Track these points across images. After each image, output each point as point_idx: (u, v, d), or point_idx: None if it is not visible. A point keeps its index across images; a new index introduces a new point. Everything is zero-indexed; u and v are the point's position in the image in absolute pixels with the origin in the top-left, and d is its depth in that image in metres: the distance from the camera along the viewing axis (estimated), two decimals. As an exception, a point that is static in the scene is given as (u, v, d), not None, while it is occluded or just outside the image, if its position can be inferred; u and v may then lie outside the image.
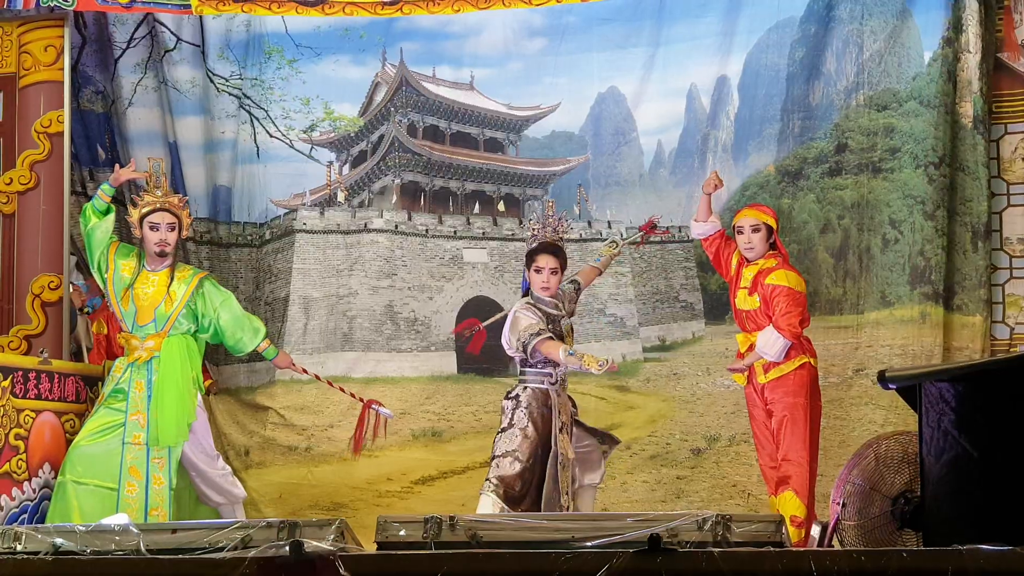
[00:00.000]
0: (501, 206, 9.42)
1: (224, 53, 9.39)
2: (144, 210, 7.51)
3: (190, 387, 7.55)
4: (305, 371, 8.03)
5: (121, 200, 8.78)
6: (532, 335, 7.07)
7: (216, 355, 9.19)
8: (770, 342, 7.07)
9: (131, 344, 7.51)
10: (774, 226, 7.29)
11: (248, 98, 9.39)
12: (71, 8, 8.92)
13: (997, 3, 8.42)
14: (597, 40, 9.10)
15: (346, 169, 9.57)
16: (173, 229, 7.54)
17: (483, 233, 9.39)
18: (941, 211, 8.38)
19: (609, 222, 9.20)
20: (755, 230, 7.24)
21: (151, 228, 7.50)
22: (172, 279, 7.54)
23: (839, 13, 8.77)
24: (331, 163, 9.55)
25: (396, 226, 9.39)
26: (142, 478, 7.39)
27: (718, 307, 8.56)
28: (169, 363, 7.52)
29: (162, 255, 7.51)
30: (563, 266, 7.28)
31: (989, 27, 8.38)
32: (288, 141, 9.45)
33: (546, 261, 7.21)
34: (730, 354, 8.85)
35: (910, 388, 5.68)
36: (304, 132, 9.44)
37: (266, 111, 9.40)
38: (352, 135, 9.51)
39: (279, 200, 9.45)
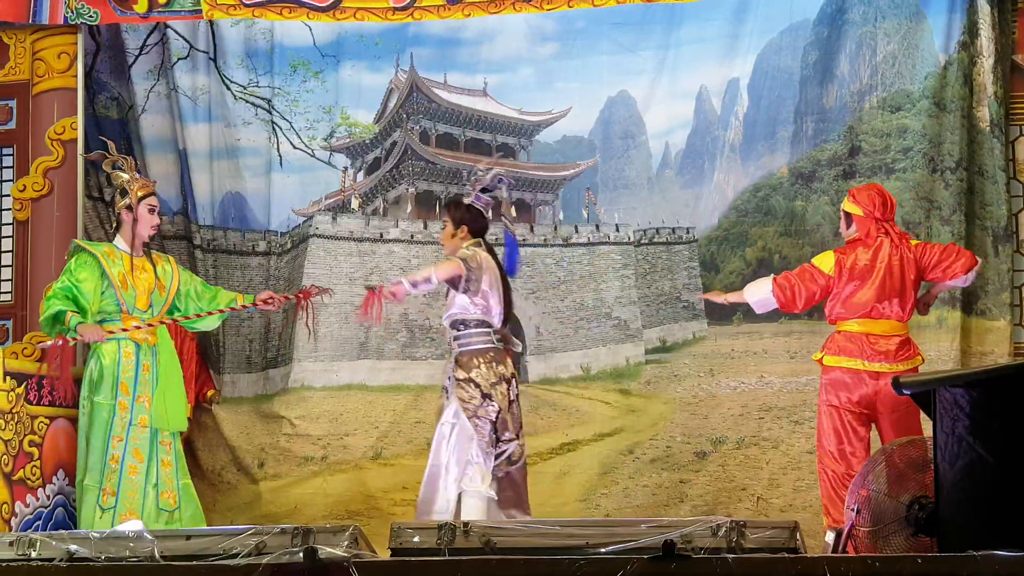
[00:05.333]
0: (512, 212, 9.40)
1: (243, 61, 9.38)
2: (141, 193, 7.62)
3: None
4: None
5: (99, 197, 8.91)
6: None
7: (221, 364, 9.18)
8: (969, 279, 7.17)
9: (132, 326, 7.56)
10: (850, 211, 7.23)
11: (273, 108, 9.39)
12: (95, 23, 8.96)
13: (1012, 5, 8.41)
14: (607, 44, 9.09)
15: (361, 176, 9.56)
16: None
17: (495, 239, 9.37)
18: (957, 215, 8.37)
19: (617, 225, 9.17)
20: (846, 221, 7.30)
21: (150, 210, 7.64)
22: (154, 265, 7.66)
23: (852, 16, 8.75)
24: (346, 169, 9.54)
25: (412, 236, 9.38)
26: (144, 461, 7.43)
27: (723, 307, 8.50)
28: (167, 349, 7.66)
29: (152, 238, 7.68)
30: (452, 219, 7.46)
31: (1004, 29, 8.38)
32: (311, 151, 9.44)
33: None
34: (735, 355, 8.82)
35: (924, 394, 5.66)
36: (325, 140, 9.44)
37: (290, 123, 9.40)
38: (367, 142, 9.50)
39: (299, 209, 9.44)
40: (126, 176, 7.69)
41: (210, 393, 9.02)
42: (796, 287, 7.20)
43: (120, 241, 7.67)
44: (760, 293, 7.33)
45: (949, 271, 7.10)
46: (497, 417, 7.19)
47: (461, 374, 7.23)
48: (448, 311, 7.37)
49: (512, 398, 7.30)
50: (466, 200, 7.51)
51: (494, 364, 7.23)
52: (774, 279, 7.29)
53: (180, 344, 8.19)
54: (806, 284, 7.19)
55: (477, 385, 7.19)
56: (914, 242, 7.30)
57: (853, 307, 7.09)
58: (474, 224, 7.45)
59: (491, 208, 7.53)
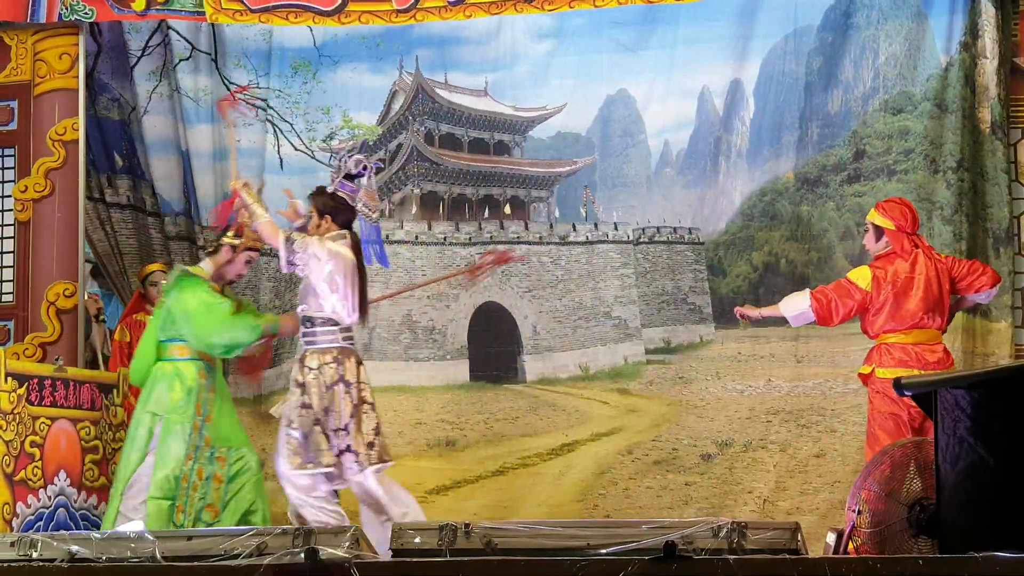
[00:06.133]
0: (507, 209, 9.41)
1: (241, 61, 9.38)
2: (249, 244, 7.63)
3: None
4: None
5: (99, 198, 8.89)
6: None
7: (226, 365, 9.17)
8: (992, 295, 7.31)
9: None
10: (882, 225, 7.21)
11: (272, 109, 9.39)
12: (91, 20, 8.96)
13: (1013, 7, 8.41)
14: (607, 42, 9.09)
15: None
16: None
17: (491, 237, 9.38)
18: (959, 216, 8.38)
19: (616, 223, 9.19)
20: (875, 234, 7.29)
21: (247, 262, 7.67)
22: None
23: (856, 20, 8.77)
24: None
25: (416, 237, 9.38)
26: (203, 479, 7.51)
27: (730, 311, 8.53)
28: (219, 367, 7.78)
29: (231, 283, 7.74)
30: (316, 208, 7.16)
31: (1006, 32, 8.38)
32: (310, 152, 9.44)
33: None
34: (742, 359, 8.83)
35: (926, 395, 5.66)
36: (324, 141, 9.44)
37: (291, 124, 9.40)
38: (370, 144, 9.51)
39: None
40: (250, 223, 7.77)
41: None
42: (833, 301, 7.19)
43: (208, 264, 7.69)
44: (798, 307, 7.29)
45: (975, 285, 7.18)
46: (318, 425, 6.93)
47: (299, 377, 7.04)
48: (299, 307, 7.17)
49: (358, 402, 7.02)
50: (329, 188, 7.23)
51: (335, 364, 7.00)
52: (811, 293, 7.26)
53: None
54: (843, 299, 7.19)
55: (304, 392, 6.99)
56: (943, 254, 7.36)
57: (902, 319, 7.12)
58: (339, 214, 7.14)
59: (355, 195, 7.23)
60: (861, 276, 7.21)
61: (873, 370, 7.17)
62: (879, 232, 7.26)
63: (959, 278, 7.19)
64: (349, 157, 7.22)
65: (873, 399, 7.19)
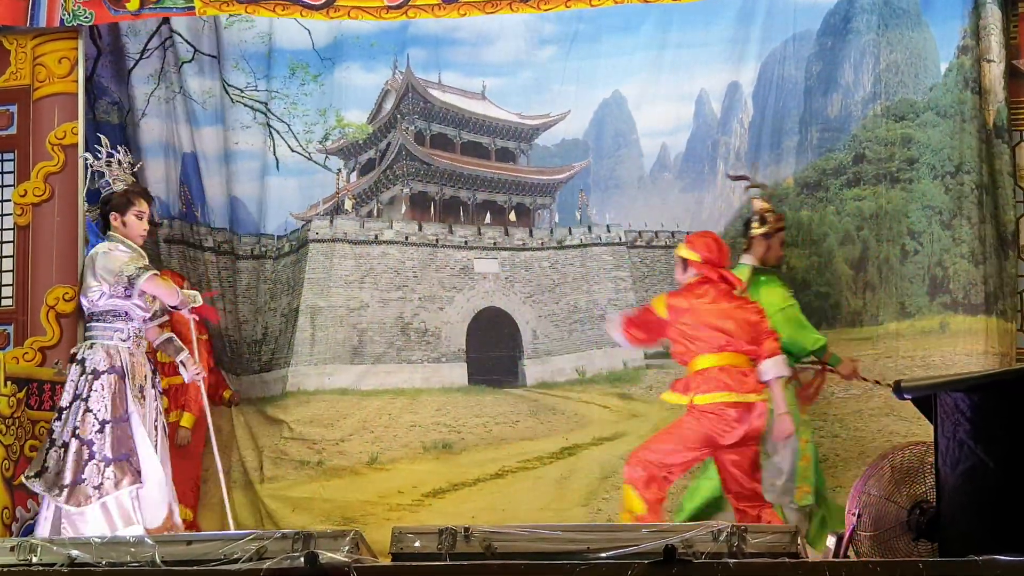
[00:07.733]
0: (512, 216, 9.41)
1: (239, 64, 9.37)
2: (779, 225, 7.98)
3: None
4: None
5: None
6: (140, 269, 6.98)
7: (234, 365, 9.17)
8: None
9: None
10: (688, 257, 7.32)
11: (270, 112, 9.38)
12: (90, 23, 8.95)
13: (1011, 11, 8.41)
14: (607, 47, 9.08)
15: (354, 177, 9.56)
16: None
17: (494, 243, 9.38)
18: (959, 220, 8.38)
19: (608, 226, 9.19)
20: (682, 266, 7.40)
21: (781, 243, 7.98)
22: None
23: (856, 25, 8.76)
24: (340, 170, 9.54)
25: (406, 237, 9.37)
26: None
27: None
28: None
29: (776, 266, 8.04)
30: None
31: (1006, 35, 8.37)
32: (307, 154, 9.43)
33: (147, 207, 7.18)
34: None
35: (926, 398, 5.67)
36: (320, 143, 9.44)
37: (288, 125, 9.39)
38: (360, 142, 9.50)
39: (297, 213, 9.44)
40: (767, 205, 7.98)
41: (227, 394, 9.00)
42: (638, 325, 7.37)
43: (749, 258, 7.91)
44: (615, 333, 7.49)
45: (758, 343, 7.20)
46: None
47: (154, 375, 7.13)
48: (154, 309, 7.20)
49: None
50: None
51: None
52: (623, 324, 7.44)
53: (199, 345, 8.09)
54: (644, 320, 7.36)
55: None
56: (753, 297, 7.51)
57: (709, 342, 7.15)
58: None
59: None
60: (659, 304, 7.32)
61: (692, 399, 7.12)
62: (685, 264, 7.34)
63: (754, 324, 7.24)
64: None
65: (689, 422, 7.11)
